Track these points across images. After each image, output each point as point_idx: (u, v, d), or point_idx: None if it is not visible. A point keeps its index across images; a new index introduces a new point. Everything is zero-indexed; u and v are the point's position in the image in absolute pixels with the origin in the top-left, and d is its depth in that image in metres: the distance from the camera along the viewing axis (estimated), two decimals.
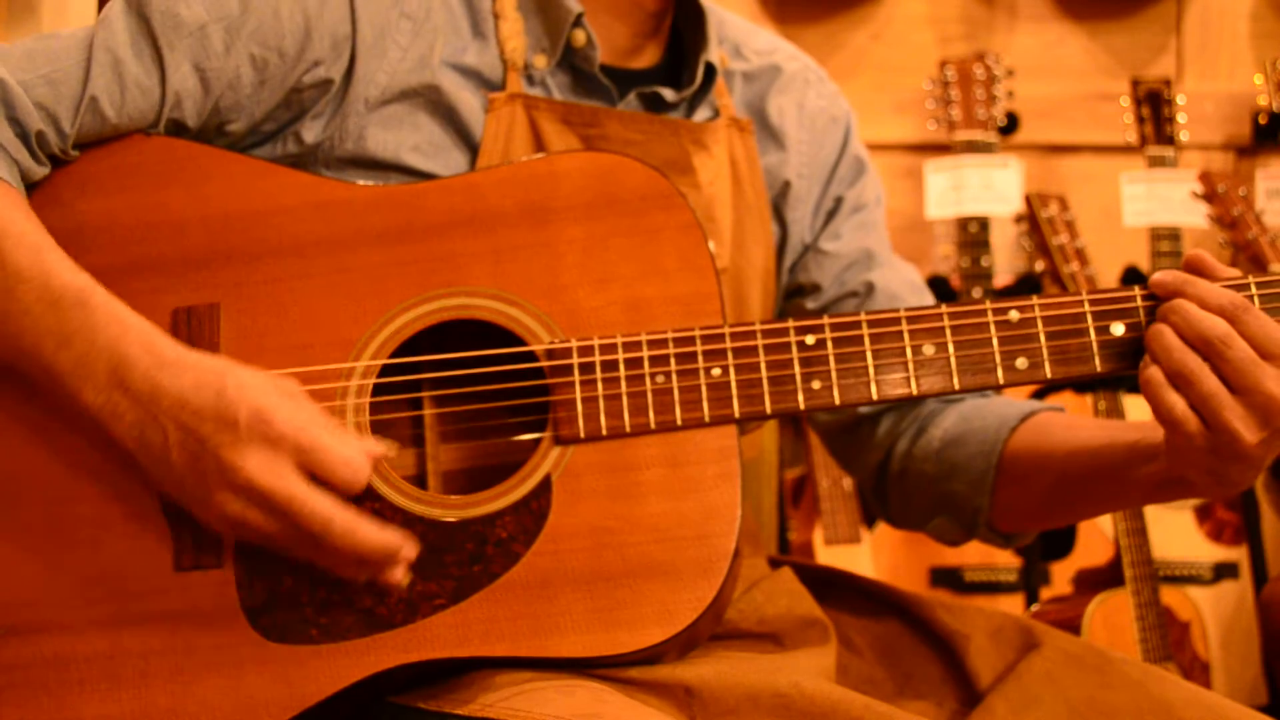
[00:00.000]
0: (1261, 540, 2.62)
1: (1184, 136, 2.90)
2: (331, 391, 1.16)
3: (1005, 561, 2.74)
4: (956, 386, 1.15)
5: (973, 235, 2.85)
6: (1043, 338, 1.14)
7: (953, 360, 1.15)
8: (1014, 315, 1.15)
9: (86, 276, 1.11)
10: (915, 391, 1.15)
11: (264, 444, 1.05)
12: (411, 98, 1.27)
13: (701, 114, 1.39)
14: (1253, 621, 2.62)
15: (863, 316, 1.16)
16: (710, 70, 1.37)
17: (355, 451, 1.07)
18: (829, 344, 1.16)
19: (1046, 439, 1.29)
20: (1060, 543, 2.74)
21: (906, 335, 1.15)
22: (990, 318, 1.15)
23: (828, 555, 2.72)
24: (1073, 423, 1.31)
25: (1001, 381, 1.15)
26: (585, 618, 1.11)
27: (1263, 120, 3.03)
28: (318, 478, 1.07)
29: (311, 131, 1.26)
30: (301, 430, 1.06)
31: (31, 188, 1.19)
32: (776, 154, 1.44)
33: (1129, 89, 2.91)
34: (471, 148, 1.29)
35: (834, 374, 1.15)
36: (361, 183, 1.22)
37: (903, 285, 1.44)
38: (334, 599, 1.12)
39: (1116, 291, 1.14)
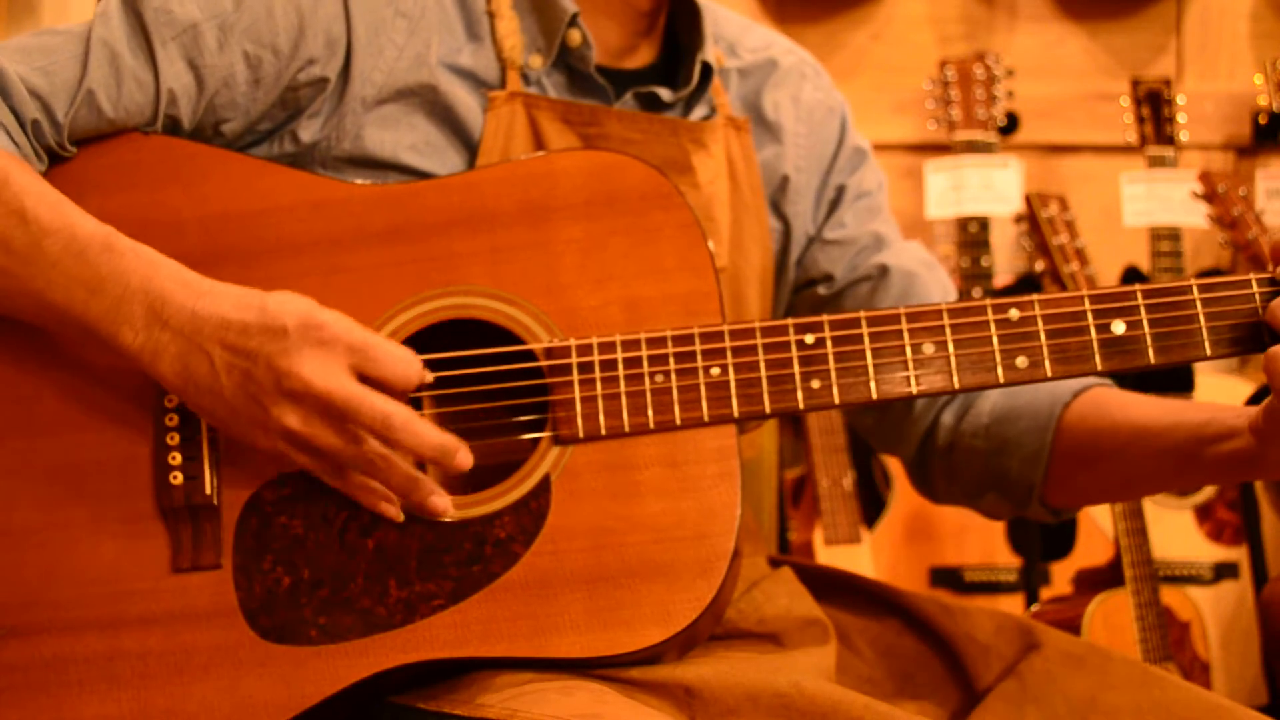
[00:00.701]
0: (1261, 540, 2.61)
1: (1184, 136, 2.90)
2: None
3: (1005, 561, 2.74)
4: (956, 385, 1.14)
5: (973, 235, 2.85)
6: (1043, 336, 1.14)
7: (952, 359, 1.14)
8: (1014, 314, 1.14)
9: (108, 226, 1.12)
10: (915, 391, 1.14)
11: (317, 346, 1.06)
12: (408, 97, 1.27)
13: (698, 112, 1.38)
14: (1253, 621, 2.62)
15: (862, 315, 1.15)
16: (707, 70, 1.36)
17: (409, 353, 1.09)
18: (828, 343, 1.15)
19: (1106, 416, 1.28)
20: (1060, 543, 2.74)
21: (906, 334, 1.15)
22: (990, 316, 1.14)
23: (828, 555, 2.72)
24: (1131, 400, 1.29)
25: (1002, 380, 1.14)
26: (584, 618, 1.11)
27: (1263, 120, 3.03)
28: (370, 379, 1.08)
29: (308, 131, 1.26)
30: (351, 331, 1.08)
31: None
32: (773, 148, 1.43)
33: (1129, 89, 2.91)
34: (469, 147, 1.29)
35: (833, 373, 1.15)
36: (359, 182, 1.22)
37: (916, 263, 1.43)
38: (333, 599, 1.12)
39: (1117, 289, 1.14)
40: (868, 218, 1.46)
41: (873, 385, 1.15)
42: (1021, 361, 1.14)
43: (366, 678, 1.11)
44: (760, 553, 1.42)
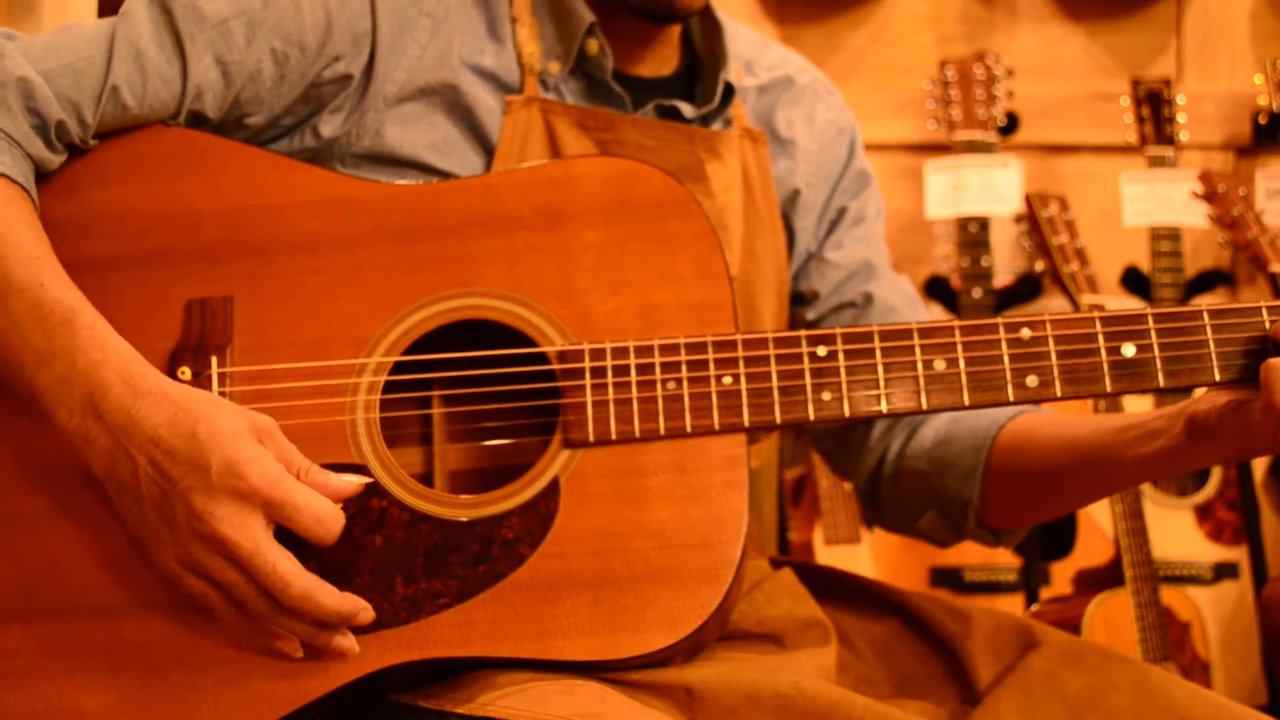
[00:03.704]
0: (1261, 540, 2.62)
1: (1184, 136, 2.90)
2: (342, 388, 1.16)
3: (1005, 561, 2.74)
4: (966, 402, 1.14)
5: (973, 235, 2.85)
6: (1054, 356, 1.14)
7: (963, 376, 1.14)
8: (1025, 333, 1.14)
9: (78, 295, 1.10)
10: (924, 406, 1.14)
11: (234, 496, 1.04)
12: (429, 95, 1.29)
13: (716, 125, 1.40)
14: (1253, 621, 2.62)
15: (875, 329, 1.15)
16: (729, 89, 1.38)
17: (327, 508, 1.07)
18: (840, 355, 1.15)
19: (1035, 433, 1.31)
20: (1060, 543, 2.74)
21: (918, 349, 1.15)
22: (1002, 334, 1.14)
23: (828, 555, 2.72)
24: (1060, 419, 1.32)
25: (1011, 399, 1.14)
26: (589, 621, 1.11)
27: (1263, 120, 3.03)
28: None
29: (330, 126, 1.28)
30: (274, 485, 1.05)
31: (47, 176, 1.20)
32: (786, 163, 1.45)
33: (1129, 89, 2.91)
34: (487, 149, 1.30)
35: (845, 386, 1.15)
36: (378, 180, 1.23)
37: (900, 298, 1.46)
38: None
39: (1129, 312, 1.14)
40: (862, 245, 1.48)
41: (883, 400, 1.15)
42: (1032, 380, 1.14)
43: (369, 674, 1.11)
44: (762, 554, 1.42)
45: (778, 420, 1.15)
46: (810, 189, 1.46)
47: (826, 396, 1.15)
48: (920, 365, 1.15)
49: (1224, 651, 2.64)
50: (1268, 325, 1.12)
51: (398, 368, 1.17)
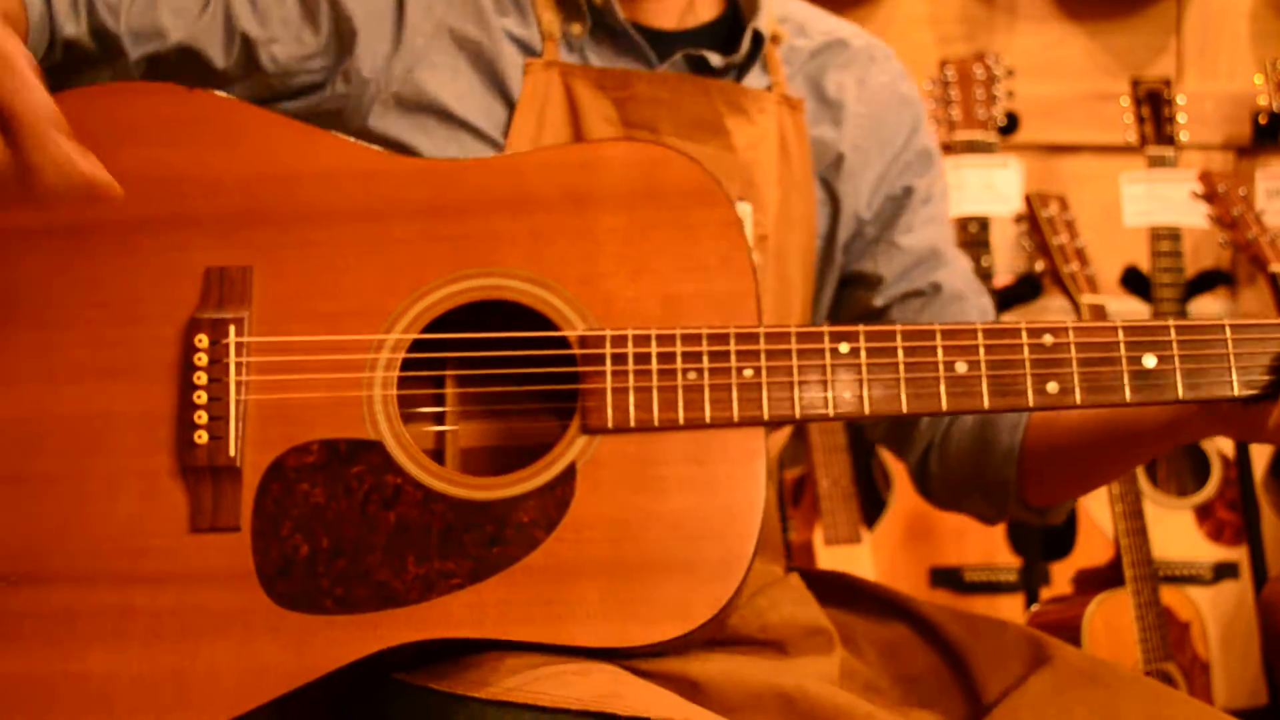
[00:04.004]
0: (1261, 540, 2.62)
1: (1184, 136, 2.90)
2: (360, 363, 1.15)
3: (1005, 561, 2.74)
4: (986, 406, 1.14)
5: (973, 235, 2.85)
6: (1075, 364, 1.14)
7: (984, 380, 1.14)
8: (1048, 339, 1.14)
9: None
10: (945, 408, 1.14)
11: None
12: (459, 44, 1.32)
13: (753, 83, 1.40)
14: (1253, 621, 2.62)
15: (898, 329, 1.15)
16: (758, 39, 1.38)
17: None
18: (863, 353, 1.15)
19: (1058, 415, 1.33)
20: (1060, 543, 2.74)
21: (940, 351, 1.15)
22: (1025, 340, 1.15)
23: (827, 555, 2.72)
24: None
25: (1031, 404, 1.14)
26: (600, 608, 1.11)
27: (1263, 120, 3.03)
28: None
29: (368, 64, 1.31)
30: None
31: (68, 57, 1.25)
32: (832, 128, 1.44)
33: (1129, 89, 2.91)
34: (509, 105, 1.32)
35: (865, 384, 1.15)
36: (400, 136, 1.25)
37: (966, 285, 1.46)
38: (350, 570, 1.12)
39: (1152, 323, 1.15)
40: (932, 228, 1.47)
41: (904, 399, 1.15)
42: (1052, 387, 1.14)
43: (378, 651, 1.11)
44: (773, 559, 1.42)
45: (797, 415, 1.15)
46: (857, 152, 1.45)
47: (848, 395, 1.15)
48: (942, 367, 1.14)
49: (1224, 651, 2.64)
50: None
51: (417, 345, 1.17)
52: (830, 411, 1.15)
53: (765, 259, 1.33)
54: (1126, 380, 1.14)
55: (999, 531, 2.77)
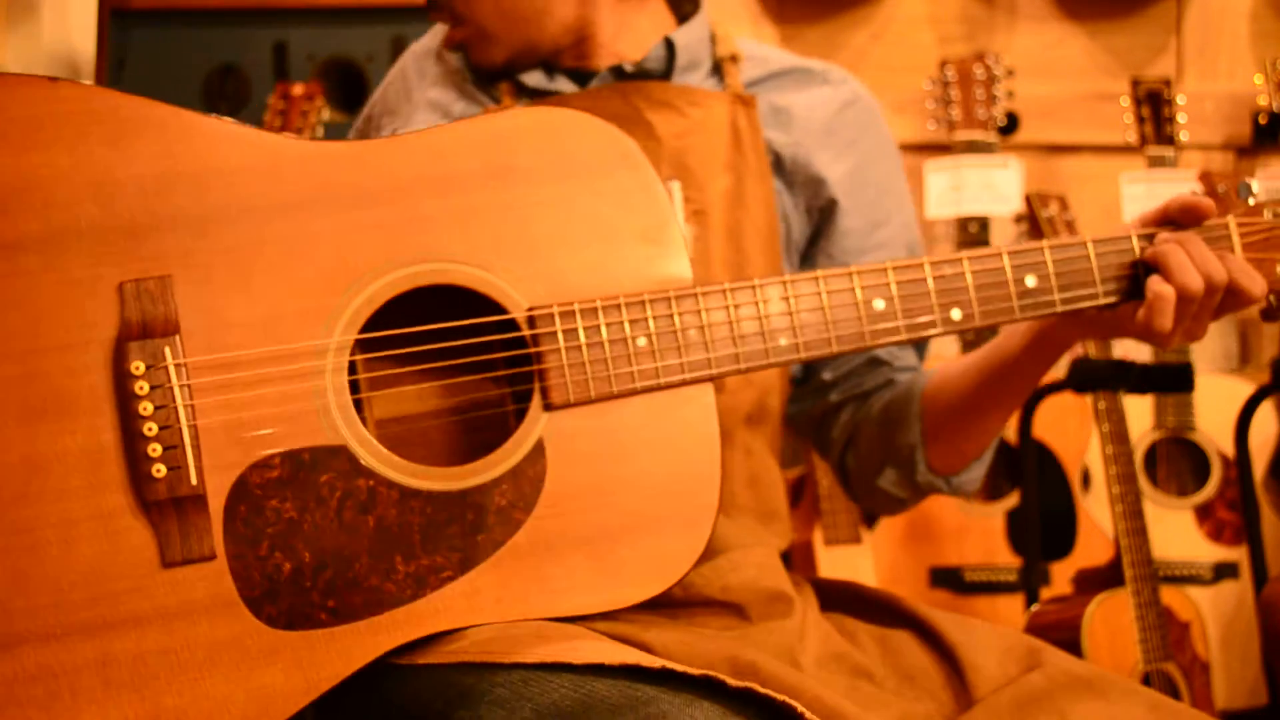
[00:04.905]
0: (1261, 540, 2.61)
1: (1184, 136, 2.90)
2: (309, 370, 1.12)
3: (1005, 561, 2.74)
4: (904, 336, 1.24)
5: (973, 235, 2.85)
6: (972, 291, 1.26)
7: (899, 313, 1.24)
8: (947, 270, 1.25)
9: None
10: (869, 342, 1.24)
11: None
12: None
13: (688, 82, 1.46)
14: (1253, 621, 2.62)
15: (819, 274, 1.23)
16: (669, 45, 1.44)
17: None
18: (791, 301, 1.22)
19: (948, 367, 1.46)
20: (1060, 543, 2.74)
21: (859, 291, 1.24)
22: (929, 274, 1.25)
23: (828, 555, 2.72)
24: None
25: (940, 330, 1.25)
26: (590, 576, 1.15)
27: (1263, 120, 3.03)
28: None
29: None
30: None
31: None
32: (780, 131, 1.48)
33: (1129, 89, 2.91)
34: None
35: (797, 329, 1.22)
36: (314, 140, 1.18)
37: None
38: (339, 580, 1.10)
39: (1028, 246, 1.27)
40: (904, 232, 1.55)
41: (833, 338, 1.23)
42: (956, 314, 1.26)
43: (385, 653, 1.10)
44: (778, 531, 1.44)
45: (741, 366, 1.21)
46: (799, 148, 1.48)
47: (783, 342, 1.22)
48: (861, 306, 1.24)
49: (1224, 651, 2.64)
50: (1137, 250, 1.28)
51: (365, 343, 1.15)
52: (771, 359, 1.22)
53: (705, 231, 1.39)
54: (1015, 300, 1.27)
55: (999, 531, 2.77)
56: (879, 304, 1.24)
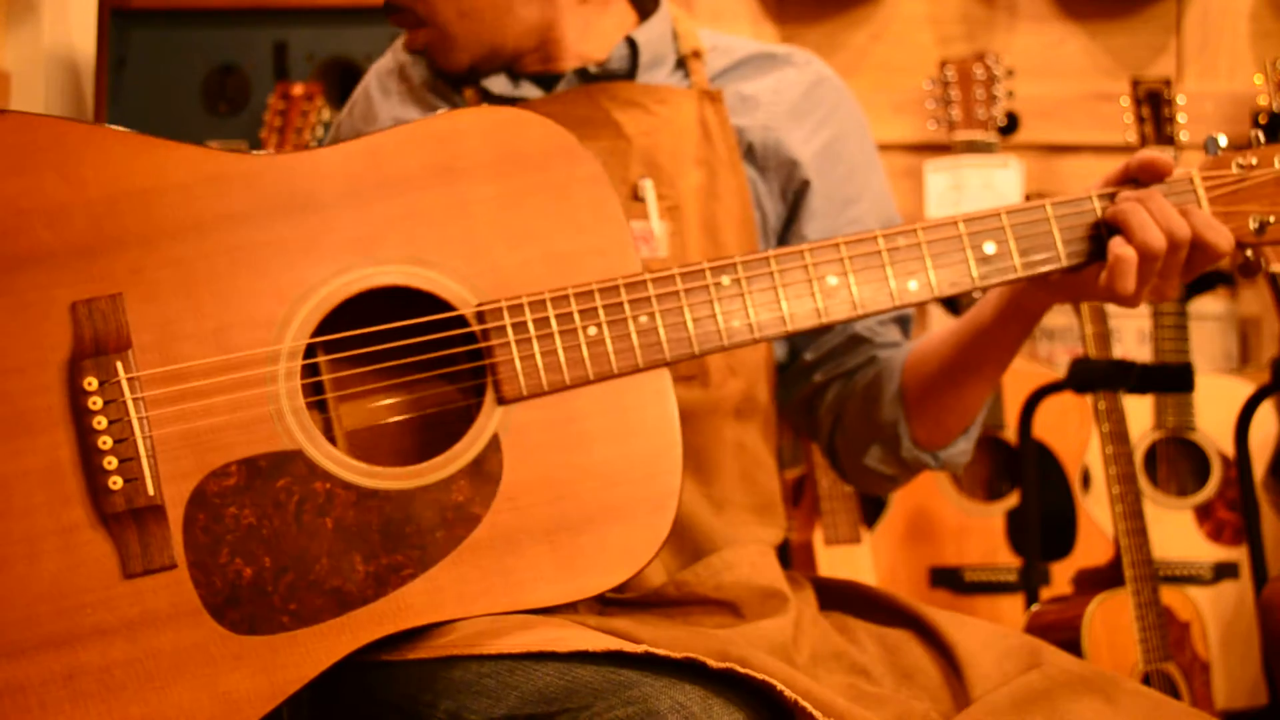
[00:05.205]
0: (1261, 540, 2.61)
1: (1184, 136, 2.90)
2: (261, 377, 1.13)
3: (1005, 561, 2.74)
4: (859, 311, 1.24)
5: None
6: (928, 260, 1.25)
7: (853, 288, 1.23)
8: (901, 242, 1.24)
9: None
10: (824, 319, 1.23)
11: None
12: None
13: (653, 80, 1.45)
14: (1253, 621, 2.62)
15: (771, 254, 1.23)
16: (631, 44, 1.44)
17: None
18: (743, 283, 1.22)
19: (927, 341, 1.45)
20: (1060, 543, 2.74)
21: (811, 269, 1.23)
22: (882, 246, 1.24)
23: (827, 555, 2.72)
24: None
25: (897, 303, 1.24)
26: (553, 569, 1.15)
27: (1263, 120, 3.02)
28: None
29: None
30: None
31: None
32: (747, 118, 1.48)
33: (1129, 89, 2.91)
34: None
35: (750, 310, 1.22)
36: (255, 152, 1.20)
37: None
38: (300, 583, 1.11)
39: (984, 213, 1.26)
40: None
41: (787, 318, 1.23)
42: (913, 285, 1.24)
43: (348, 654, 1.11)
44: (774, 523, 1.44)
45: (695, 350, 1.21)
46: (769, 132, 1.48)
47: (737, 324, 1.22)
48: (815, 284, 1.23)
49: (1224, 651, 2.64)
50: (1099, 211, 1.27)
51: (315, 348, 1.16)
52: (725, 342, 1.22)
53: (680, 226, 1.40)
54: (973, 268, 1.25)
55: (999, 531, 2.77)
56: (832, 280, 1.23)
